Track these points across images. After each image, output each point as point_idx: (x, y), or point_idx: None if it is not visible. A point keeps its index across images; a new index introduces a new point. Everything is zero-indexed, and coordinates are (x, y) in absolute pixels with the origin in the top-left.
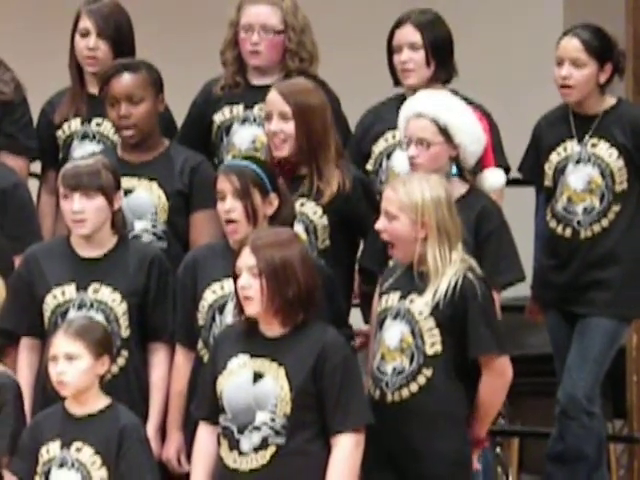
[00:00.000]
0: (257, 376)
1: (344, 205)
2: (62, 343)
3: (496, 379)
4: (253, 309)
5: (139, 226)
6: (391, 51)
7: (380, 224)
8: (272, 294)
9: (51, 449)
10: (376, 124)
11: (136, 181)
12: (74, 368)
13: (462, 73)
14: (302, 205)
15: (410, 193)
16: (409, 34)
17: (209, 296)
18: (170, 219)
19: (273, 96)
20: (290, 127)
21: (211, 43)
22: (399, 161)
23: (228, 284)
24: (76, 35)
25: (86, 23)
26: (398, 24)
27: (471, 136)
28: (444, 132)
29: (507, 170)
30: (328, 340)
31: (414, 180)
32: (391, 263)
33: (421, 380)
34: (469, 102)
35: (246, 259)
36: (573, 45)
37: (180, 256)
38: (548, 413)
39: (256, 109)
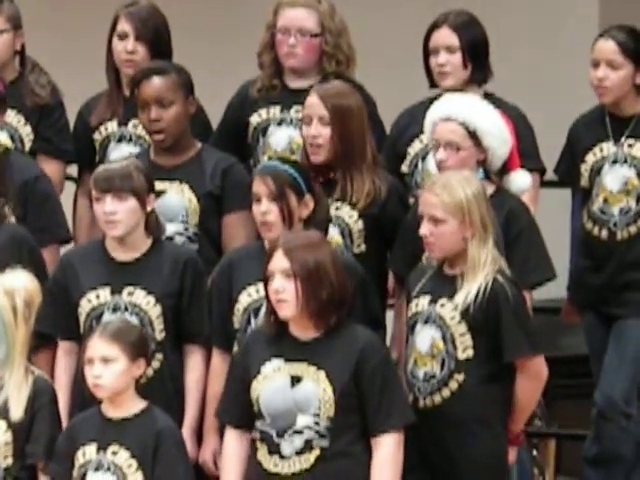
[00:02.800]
0: (295, 380)
1: (380, 211)
2: (98, 346)
3: (531, 380)
4: (288, 312)
5: (171, 229)
6: (427, 53)
7: (425, 229)
8: (307, 297)
9: (87, 452)
10: (411, 125)
11: (167, 184)
12: (110, 371)
13: (497, 75)
14: (337, 209)
15: (453, 194)
16: (446, 36)
17: (244, 299)
18: (202, 222)
19: (313, 100)
20: (328, 132)
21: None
22: (434, 163)
23: (263, 287)
24: (114, 38)
25: (124, 26)
26: (435, 26)
27: (499, 139)
28: (473, 135)
29: (543, 172)
30: (366, 341)
31: (452, 180)
32: (419, 265)
33: (453, 385)
34: (502, 104)
35: (279, 262)
36: (609, 47)
37: (212, 258)
38: (585, 415)
39: (293, 111)
